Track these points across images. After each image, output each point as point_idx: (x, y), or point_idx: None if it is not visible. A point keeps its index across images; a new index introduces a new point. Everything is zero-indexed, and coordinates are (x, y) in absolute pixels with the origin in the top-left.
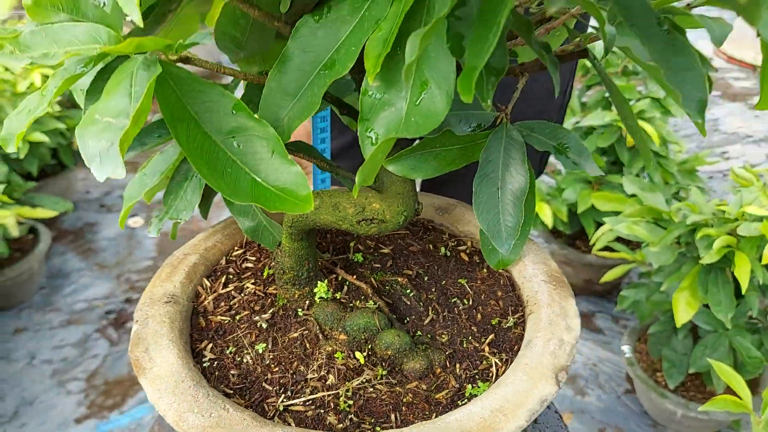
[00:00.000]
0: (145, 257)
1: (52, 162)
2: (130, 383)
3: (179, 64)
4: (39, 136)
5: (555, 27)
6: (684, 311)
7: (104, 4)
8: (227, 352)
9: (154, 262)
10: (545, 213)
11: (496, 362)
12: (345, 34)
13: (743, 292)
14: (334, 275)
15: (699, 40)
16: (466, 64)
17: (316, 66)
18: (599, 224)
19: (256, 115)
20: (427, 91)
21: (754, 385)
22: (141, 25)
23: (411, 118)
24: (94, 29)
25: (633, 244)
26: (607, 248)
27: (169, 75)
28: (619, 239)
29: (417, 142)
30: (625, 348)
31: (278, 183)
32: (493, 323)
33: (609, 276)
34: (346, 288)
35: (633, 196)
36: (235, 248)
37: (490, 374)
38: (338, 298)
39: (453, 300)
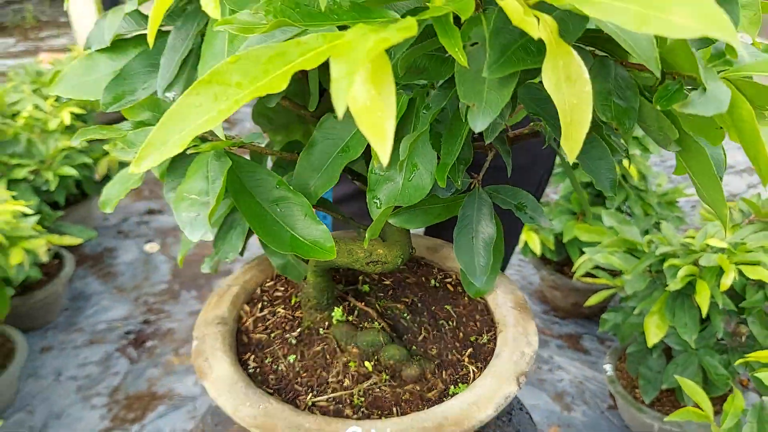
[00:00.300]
0: (161, 281)
1: (75, 192)
2: (150, 399)
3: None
4: (69, 170)
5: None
6: (654, 333)
7: (174, 100)
8: (266, 361)
9: (169, 285)
10: (534, 241)
11: (473, 369)
12: (356, 128)
13: (703, 315)
14: (347, 302)
15: None
16: (441, 159)
17: (335, 150)
18: (583, 252)
19: (292, 188)
20: (417, 172)
21: (723, 401)
22: (222, 137)
23: (406, 190)
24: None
25: (615, 272)
26: (592, 275)
27: (233, 162)
28: (601, 267)
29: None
30: (607, 367)
31: (310, 237)
32: (472, 340)
33: (592, 300)
34: (356, 312)
35: (611, 228)
36: (267, 281)
37: (469, 378)
38: (350, 320)
39: (441, 322)
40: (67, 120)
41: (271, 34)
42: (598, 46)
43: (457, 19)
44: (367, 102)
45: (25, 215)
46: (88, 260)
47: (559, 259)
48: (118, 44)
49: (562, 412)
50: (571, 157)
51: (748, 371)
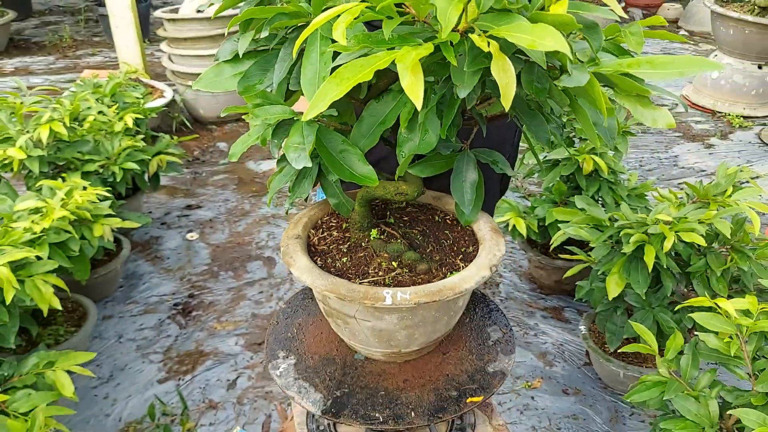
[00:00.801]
0: (201, 263)
1: (129, 186)
2: (198, 356)
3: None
4: (131, 165)
5: (492, 102)
6: (614, 289)
7: (271, 89)
8: (328, 261)
9: (209, 267)
10: (521, 226)
11: (462, 265)
12: (390, 108)
13: (649, 271)
14: (379, 227)
15: (666, 88)
16: (443, 123)
17: (376, 122)
18: None
19: (349, 143)
20: (427, 134)
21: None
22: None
23: (421, 145)
24: (281, 109)
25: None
26: (571, 252)
27: (318, 127)
28: (577, 245)
29: (422, 158)
30: (582, 327)
31: (361, 173)
32: (462, 250)
33: (570, 272)
34: (386, 234)
35: (582, 209)
36: (325, 216)
37: (459, 270)
38: (382, 238)
39: (441, 240)
40: (130, 123)
41: (354, 53)
42: (526, 56)
43: (451, 43)
44: (413, 82)
45: (103, 199)
46: (137, 246)
47: (543, 242)
48: (236, 58)
49: (545, 367)
50: (506, 105)
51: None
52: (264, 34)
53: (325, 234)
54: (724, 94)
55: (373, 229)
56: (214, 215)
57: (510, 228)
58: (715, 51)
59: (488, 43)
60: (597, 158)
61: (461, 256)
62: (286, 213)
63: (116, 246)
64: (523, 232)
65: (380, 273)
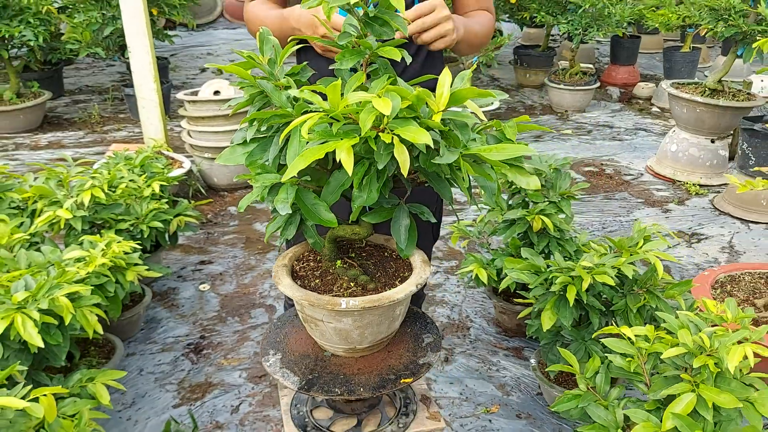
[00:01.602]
0: (212, 311)
1: (152, 243)
2: (207, 386)
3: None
4: (157, 223)
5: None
6: (547, 322)
7: (268, 163)
8: (306, 282)
9: (218, 313)
10: (483, 275)
11: (398, 285)
12: (347, 176)
13: (571, 306)
14: (343, 259)
15: (635, 159)
16: (379, 185)
17: (338, 185)
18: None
19: (320, 199)
20: (370, 192)
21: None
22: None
23: (367, 199)
24: (274, 176)
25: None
26: (524, 297)
27: (297, 188)
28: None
29: (370, 210)
30: (532, 360)
31: (326, 218)
32: (401, 275)
33: (522, 314)
34: (347, 263)
35: (527, 259)
36: (305, 252)
37: (395, 287)
38: (344, 266)
39: (387, 269)
40: (157, 189)
41: (316, 141)
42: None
43: (372, 137)
44: (346, 159)
45: (133, 251)
46: (157, 296)
47: (504, 289)
48: (245, 142)
49: (503, 396)
50: (404, 172)
51: None
52: (263, 128)
53: (305, 264)
54: (683, 164)
55: (338, 260)
56: (224, 269)
57: (474, 277)
58: (674, 126)
59: (392, 138)
60: (545, 218)
61: (399, 279)
62: (279, 250)
63: (140, 294)
64: (484, 279)
65: (341, 290)
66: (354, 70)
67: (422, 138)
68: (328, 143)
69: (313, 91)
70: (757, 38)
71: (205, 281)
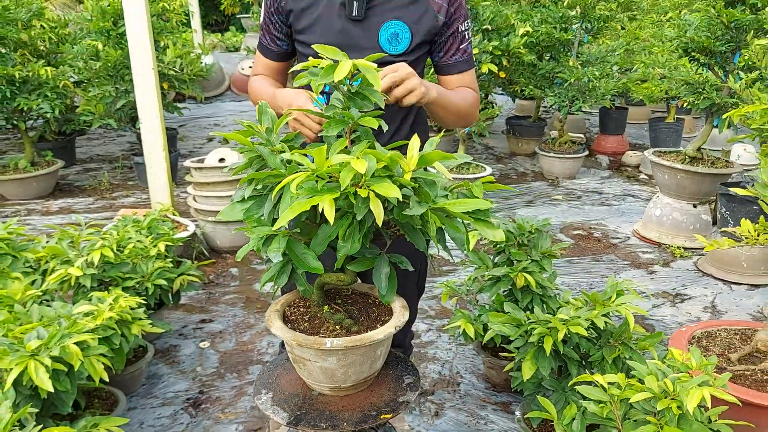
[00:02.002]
0: (211, 367)
1: (157, 300)
2: None
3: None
4: (161, 281)
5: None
6: (527, 372)
7: (263, 217)
8: (296, 325)
9: (217, 369)
10: (470, 330)
11: (379, 327)
12: (333, 228)
13: (548, 356)
14: (329, 305)
15: (623, 224)
16: (361, 237)
17: (326, 236)
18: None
19: (309, 249)
20: (353, 243)
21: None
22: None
23: (351, 248)
24: (268, 228)
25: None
26: (508, 351)
27: (288, 239)
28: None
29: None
30: (517, 412)
31: (314, 266)
32: (382, 319)
33: (507, 367)
34: (333, 309)
35: (508, 313)
36: (296, 299)
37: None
38: (331, 311)
39: (370, 314)
40: (162, 249)
41: (304, 196)
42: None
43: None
44: (328, 210)
45: (138, 306)
46: (159, 353)
47: (492, 345)
48: (243, 200)
49: None
50: (379, 222)
51: None
52: (259, 186)
53: (295, 310)
54: (667, 228)
55: (325, 306)
56: (224, 327)
57: (462, 332)
58: (658, 192)
59: (368, 192)
60: (528, 275)
61: (381, 322)
62: (272, 297)
63: (142, 350)
64: (472, 334)
65: (328, 332)
66: (340, 136)
67: (393, 192)
68: (313, 197)
69: (302, 154)
70: (730, 110)
71: (205, 339)
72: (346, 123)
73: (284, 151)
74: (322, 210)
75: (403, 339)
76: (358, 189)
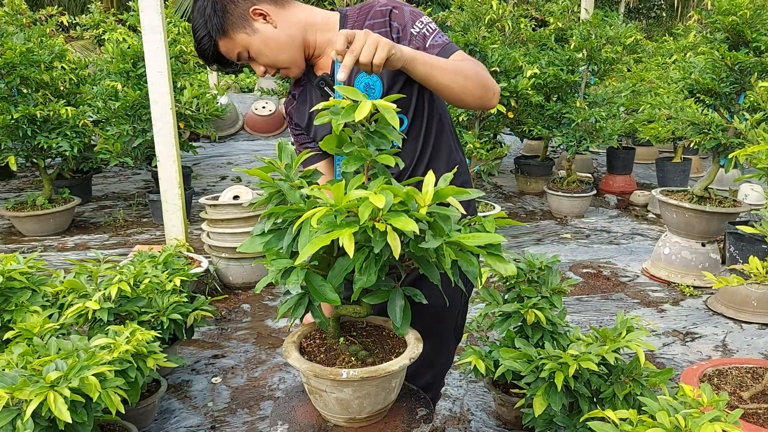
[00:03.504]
0: (223, 402)
1: (170, 336)
2: None
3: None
4: (176, 316)
5: (410, 261)
6: (538, 408)
7: (282, 251)
8: (312, 357)
9: (229, 405)
10: (481, 365)
11: (394, 359)
12: (350, 261)
13: (558, 391)
14: (345, 337)
15: (632, 262)
16: (377, 269)
17: (342, 269)
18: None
19: (326, 281)
20: (369, 275)
21: None
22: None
23: (367, 281)
24: (287, 261)
25: None
26: (519, 387)
27: (306, 271)
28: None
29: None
30: None
31: (331, 298)
32: (397, 351)
33: (519, 404)
34: (349, 341)
35: (519, 349)
36: (313, 331)
37: (392, 361)
38: (346, 343)
39: (385, 346)
40: (178, 283)
41: (323, 230)
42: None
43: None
44: (348, 243)
45: (153, 340)
46: (171, 388)
47: (503, 382)
48: (263, 233)
49: None
50: (396, 255)
51: None
52: (279, 220)
53: (311, 341)
54: (676, 267)
55: (341, 337)
56: (236, 363)
57: (473, 368)
58: (666, 231)
59: (385, 226)
60: (538, 312)
61: (395, 354)
62: (289, 330)
63: (156, 384)
64: (482, 370)
65: (343, 363)
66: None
67: (410, 226)
68: (333, 232)
69: (321, 189)
70: (736, 150)
71: (217, 374)
72: (363, 160)
73: (303, 187)
74: (340, 244)
75: (439, 382)
76: (376, 223)
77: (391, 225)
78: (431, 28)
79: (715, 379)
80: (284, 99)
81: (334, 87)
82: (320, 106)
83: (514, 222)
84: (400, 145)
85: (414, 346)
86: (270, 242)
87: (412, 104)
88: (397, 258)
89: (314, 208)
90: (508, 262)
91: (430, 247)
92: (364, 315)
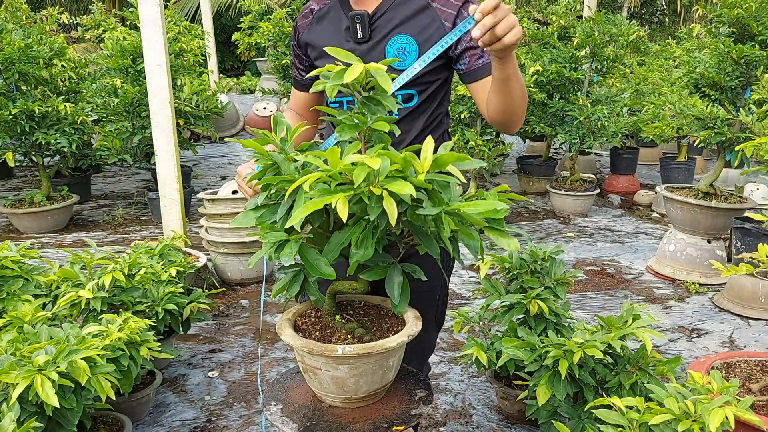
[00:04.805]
0: (219, 396)
1: (166, 329)
2: None
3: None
4: (172, 306)
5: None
6: (542, 397)
7: (276, 224)
8: (306, 334)
9: (225, 399)
10: (483, 357)
11: (392, 336)
12: (346, 235)
13: (563, 380)
14: (341, 314)
15: (636, 260)
16: (375, 241)
17: (338, 243)
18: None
19: (321, 255)
20: (367, 248)
21: None
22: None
23: (364, 254)
24: (281, 234)
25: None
26: (522, 378)
27: (301, 244)
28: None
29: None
30: None
31: (326, 272)
32: (395, 329)
33: (521, 395)
34: (345, 318)
35: (522, 338)
36: (308, 309)
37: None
38: (343, 321)
39: (383, 324)
40: (174, 273)
41: (317, 197)
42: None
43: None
44: (341, 208)
45: (149, 329)
46: (167, 382)
47: (506, 375)
48: (256, 207)
49: None
50: (392, 222)
51: None
52: (273, 192)
53: (306, 320)
54: (681, 264)
55: (337, 315)
56: (233, 357)
57: (474, 360)
58: (671, 228)
59: (381, 191)
60: (541, 302)
61: (393, 332)
62: (283, 309)
63: (151, 377)
64: (484, 362)
65: (339, 341)
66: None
67: (406, 189)
68: (326, 197)
69: (316, 156)
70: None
71: (214, 368)
72: (359, 128)
73: (298, 160)
74: (335, 217)
75: (419, 369)
76: (371, 188)
77: (387, 190)
78: None
79: (724, 371)
80: (298, 15)
81: (368, 30)
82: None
83: (517, 197)
84: (396, 113)
85: (413, 324)
86: (263, 216)
87: (431, 87)
88: (393, 226)
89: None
90: (510, 237)
91: (429, 215)
92: (361, 291)
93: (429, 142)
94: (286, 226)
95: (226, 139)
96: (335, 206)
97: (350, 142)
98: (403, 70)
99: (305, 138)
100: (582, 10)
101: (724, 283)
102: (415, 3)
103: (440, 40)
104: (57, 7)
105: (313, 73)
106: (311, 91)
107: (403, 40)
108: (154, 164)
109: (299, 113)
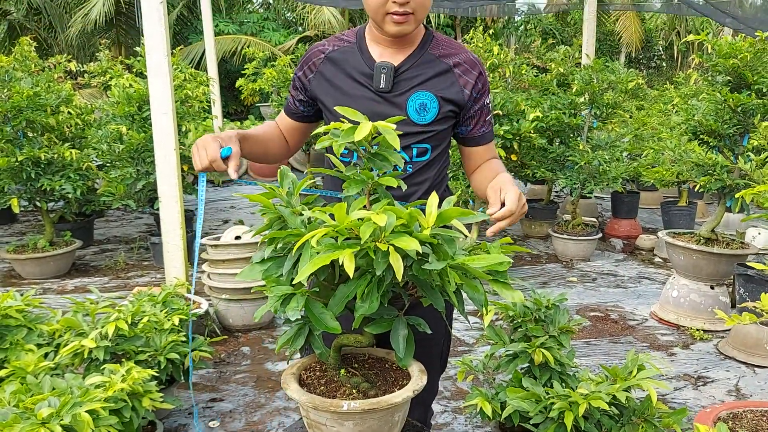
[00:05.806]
0: None
1: (167, 377)
2: None
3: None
4: (174, 355)
5: (414, 289)
6: None
7: (282, 278)
8: (311, 389)
9: None
10: (487, 407)
11: (397, 390)
12: (351, 288)
13: (568, 430)
14: (346, 368)
15: (639, 306)
16: (380, 294)
17: (343, 296)
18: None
19: (326, 309)
20: (372, 302)
21: None
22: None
23: (369, 308)
24: (287, 288)
25: None
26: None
27: (307, 298)
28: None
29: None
30: None
31: (332, 326)
32: (400, 383)
33: None
34: (350, 373)
35: (527, 389)
36: (313, 363)
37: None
38: (348, 375)
39: (388, 378)
40: (176, 322)
41: (324, 252)
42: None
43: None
44: (348, 263)
45: (152, 379)
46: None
47: (510, 425)
48: (263, 261)
49: None
50: (399, 277)
51: None
52: (279, 245)
53: (311, 374)
54: (685, 310)
55: (342, 369)
56: (234, 407)
57: (479, 410)
58: (674, 274)
59: (387, 247)
60: (545, 351)
61: (398, 386)
62: (288, 360)
63: (152, 427)
64: (489, 412)
65: (344, 396)
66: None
67: (412, 245)
68: (334, 252)
69: (322, 211)
70: (742, 191)
71: (215, 418)
72: (365, 183)
73: (304, 213)
74: (341, 271)
75: (424, 416)
76: (377, 243)
77: (393, 245)
78: (488, 103)
79: (730, 422)
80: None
81: (392, 82)
82: (321, 129)
83: (519, 249)
84: (402, 167)
85: (418, 378)
86: (270, 269)
87: (444, 142)
88: (399, 280)
89: (316, 228)
90: (514, 290)
91: (434, 270)
92: (366, 344)
93: (434, 198)
94: (295, 281)
95: (233, 194)
96: (342, 261)
97: (356, 198)
98: (423, 125)
99: (271, 135)
100: (580, 57)
101: (729, 330)
102: (439, 65)
103: (457, 101)
104: (65, 55)
105: (321, 129)
106: (317, 147)
107: (425, 96)
108: (158, 209)
109: (282, 130)
